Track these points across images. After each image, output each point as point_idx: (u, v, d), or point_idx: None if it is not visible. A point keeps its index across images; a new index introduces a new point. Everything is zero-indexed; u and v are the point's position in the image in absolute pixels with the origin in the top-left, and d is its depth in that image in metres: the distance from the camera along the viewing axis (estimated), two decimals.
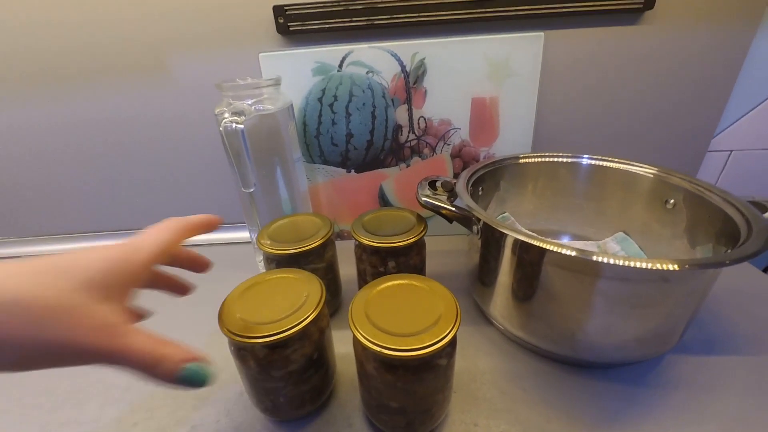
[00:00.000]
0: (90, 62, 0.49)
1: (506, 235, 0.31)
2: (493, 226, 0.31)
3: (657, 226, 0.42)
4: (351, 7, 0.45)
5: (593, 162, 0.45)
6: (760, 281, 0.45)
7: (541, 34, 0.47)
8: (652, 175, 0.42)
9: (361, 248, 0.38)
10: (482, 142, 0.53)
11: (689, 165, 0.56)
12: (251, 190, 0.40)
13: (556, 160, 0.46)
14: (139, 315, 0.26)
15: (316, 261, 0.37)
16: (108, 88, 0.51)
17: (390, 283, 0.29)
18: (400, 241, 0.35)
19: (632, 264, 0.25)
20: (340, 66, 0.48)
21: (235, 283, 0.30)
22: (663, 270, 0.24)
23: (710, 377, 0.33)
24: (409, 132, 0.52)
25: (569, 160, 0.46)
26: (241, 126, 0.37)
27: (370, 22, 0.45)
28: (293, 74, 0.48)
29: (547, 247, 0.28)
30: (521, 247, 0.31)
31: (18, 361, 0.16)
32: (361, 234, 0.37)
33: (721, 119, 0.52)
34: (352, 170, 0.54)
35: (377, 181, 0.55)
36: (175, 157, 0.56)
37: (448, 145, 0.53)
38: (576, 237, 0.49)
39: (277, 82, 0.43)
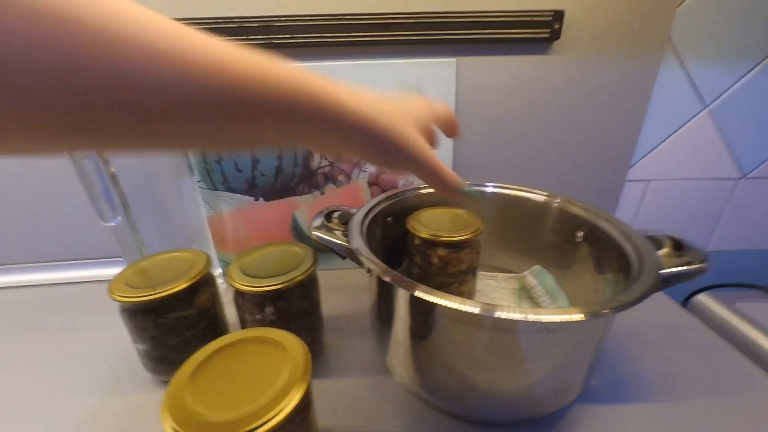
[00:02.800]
0: None
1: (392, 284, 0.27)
2: (379, 275, 0.27)
3: (569, 259, 0.40)
4: (246, 25, 0.41)
5: (498, 190, 0.43)
6: (677, 315, 0.44)
7: (454, 60, 0.45)
8: (556, 205, 0.40)
9: (236, 293, 0.33)
10: None
11: (609, 194, 0.55)
12: (111, 223, 0.34)
13: None
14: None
15: (181, 308, 0.32)
16: None
17: (225, 346, 0.23)
18: (277, 284, 0.31)
19: (502, 315, 0.22)
20: None
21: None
22: (532, 322, 0.21)
23: (616, 429, 0.30)
24: (321, 158, 0.48)
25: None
26: (93, 157, 0.32)
27: (267, 41, 0.42)
28: None
29: (431, 299, 0.24)
30: (407, 299, 0.28)
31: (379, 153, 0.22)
32: (234, 276, 0.32)
33: (636, 149, 0.53)
34: (261, 198, 0.49)
35: (289, 210, 0.50)
36: (46, 184, 0.48)
37: (365, 172, 0.49)
38: (496, 269, 0.47)
39: None
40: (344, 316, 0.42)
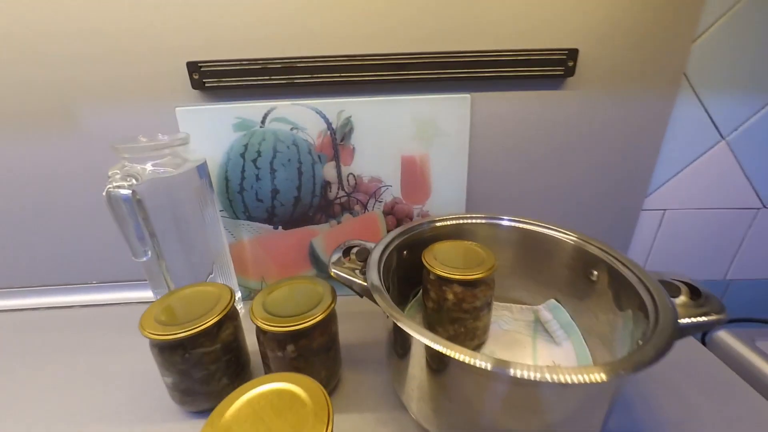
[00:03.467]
0: None
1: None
2: (396, 321, 0.28)
3: (583, 295, 0.40)
4: (269, 66, 0.43)
5: (514, 224, 0.44)
6: (696, 352, 0.43)
7: (468, 96, 0.46)
8: (572, 242, 0.40)
9: (258, 330, 0.34)
10: (415, 200, 0.51)
11: (625, 223, 0.55)
12: (143, 259, 0.36)
13: (474, 222, 0.44)
14: None
15: (207, 344, 0.33)
16: (6, 136, 0.47)
17: (248, 397, 0.25)
18: (299, 323, 0.32)
19: (521, 374, 0.23)
20: (263, 122, 0.46)
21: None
22: (545, 382, 0.22)
23: None
24: (338, 189, 0.50)
25: (487, 221, 0.44)
26: (127, 192, 0.34)
27: (290, 81, 0.44)
28: (213, 129, 0.46)
29: (443, 351, 0.25)
30: (421, 344, 0.28)
31: None
32: (257, 314, 0.33)
33: (652, 180, 0.53)
34: (279, 227, 0.51)
35: (307, 238, 0.52)
36: (82, 211, 0.51)
37: (380, 202, 0.51)
38: (511, 300, 0.47)
39: (184, 141, 0.40)
40: (361, 345, 0.43)
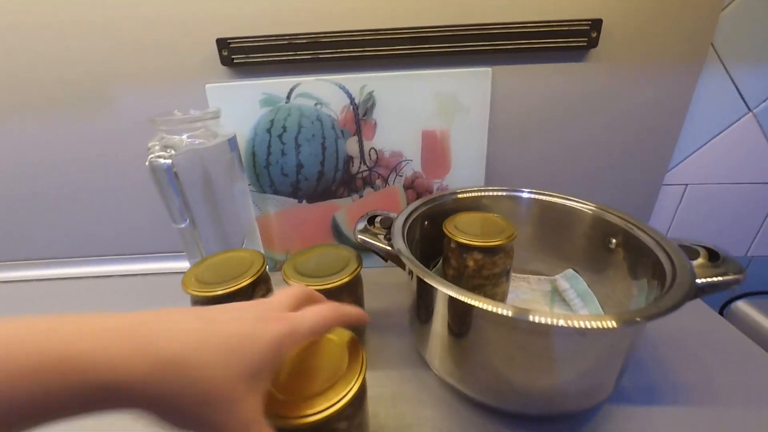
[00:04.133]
0: (33, 93, 0.48)
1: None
2: (421, 276, 0.30)
3: (601, 264, 0.41)
4: (295, 41, 0.44)
5: (533, 196, 0.44)
6: (713, 321, 0.44)
7: (489, 69, 0.47)
8: (590, 212, 0.41)
9: None
10: (435, 174, 0.52)
11: (646, 198, 0.55)
12: (182, 225, 0.39)
13: (495, 194, 0.45)
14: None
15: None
16: (51, 119, 0.50)
17: None
18: (327, 283, 0.34)
19: (539, 320, 0.24)
20: (288, 98, 0.48)
21: None
22: (567, 326, 0.23)
23: (645, 430, 0.31)
24: (360, 163, 0.51)
25: (507, 194, 0.45)
26: (168, 161, 0.36)
27: (315, 56, 0.45)
28: (240, 105, 0.48)
29: (468, 301, 0.27)
30: (445, 299, 0.30)
31: (158, 417, 0.16)
32: (289, 274, 0.35)
33: (674, 154, 0.53)
34: (304, 200, 0.53)
35: (329, 211, 0.54)
36: (119, 187, 0.54)
37: (401, 176, 0.52)
38: (529, 272, 0.48)
39: (215, 115, 0.42)
40: (383, 313, 0.46)
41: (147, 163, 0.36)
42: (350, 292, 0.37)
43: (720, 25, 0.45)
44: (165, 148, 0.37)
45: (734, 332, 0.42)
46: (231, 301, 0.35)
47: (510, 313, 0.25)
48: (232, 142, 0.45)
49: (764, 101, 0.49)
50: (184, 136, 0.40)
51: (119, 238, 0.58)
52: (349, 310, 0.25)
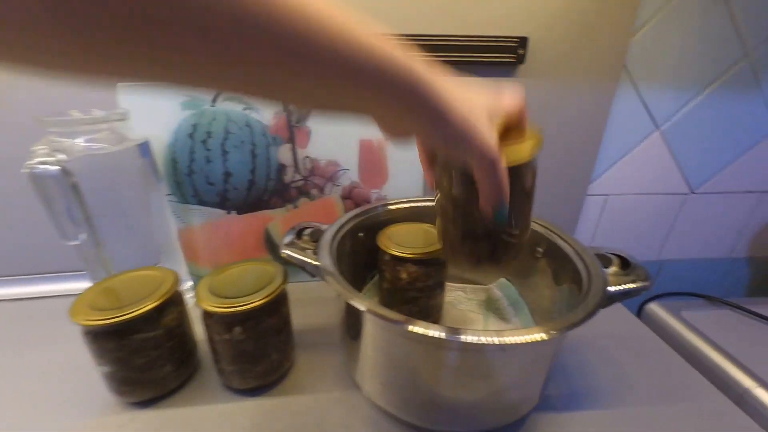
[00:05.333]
0: None
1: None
2: (343, 297, 0.28)
3: (529, 272, 0.42)
4: None
5: None
6: (630, 323, 0.47)
7: None
8: None
9: (204, 312, 0.33)
10: (373, 184, 0.51)
11: (573, 208, 0.58)
12: (74, 242, 0.33)
13: (428, 204, 0.45)
14: None
15: (147, 329, 0.32)
16: None
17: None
18: (246, 304, 0.31)
19: (458, 338, 0.23)
20: (214, 100, 0.44)
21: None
22: (475, 343, 0.23)
23: None
24: (294, 172, 0.49)
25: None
26: (55, 168, 0.31)
27: None
28: (158, 107, 0.43)
29: (382, 316, 0.25)
30: (365, 317, 0.29)
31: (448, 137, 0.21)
32: (202, 296, 0.32)
33: (596, 167, 0.56)
34: (233, 211, 0.49)
35: (262, 223, 0.51)
36: (9, 197, 0.46)
37: (338, 186, 0.50)
38: (465, 281, 0.48)
39: (122, 117, 0.38)
40: (315, 330, 0.43)
41: (24, 170, 0.30)
42: (273, 312, 0.34)
43: (631, 48, 0.49)
44: (53, 152, 0.32)
45: (647, 333, 0.45)
46: (131, 330, 0.31)
47: (425, 332, 0.24)
48: (144, 147, 0.40)
49: (669, 120, 0.54)
50: (81, 140, 0.35)
51: (9, 256, 0.49)
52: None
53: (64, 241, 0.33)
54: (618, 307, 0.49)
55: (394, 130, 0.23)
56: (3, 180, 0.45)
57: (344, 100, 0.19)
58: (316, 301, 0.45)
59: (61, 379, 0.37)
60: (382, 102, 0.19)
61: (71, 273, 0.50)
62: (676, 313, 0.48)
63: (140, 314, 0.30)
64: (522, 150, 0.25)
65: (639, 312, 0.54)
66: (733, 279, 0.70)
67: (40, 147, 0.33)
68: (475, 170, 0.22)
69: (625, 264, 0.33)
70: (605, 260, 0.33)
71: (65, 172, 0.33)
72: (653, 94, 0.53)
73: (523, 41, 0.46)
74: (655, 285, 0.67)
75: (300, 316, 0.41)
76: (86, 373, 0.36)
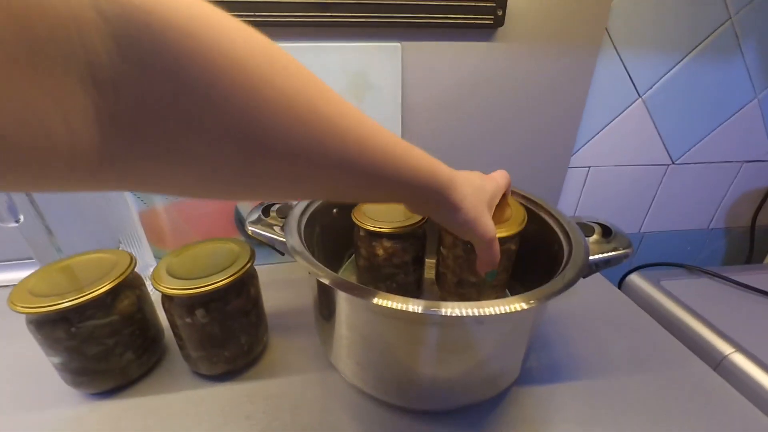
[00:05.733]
0: None
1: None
2: (318, 277, 0.26)
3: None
4: None
5: None
6: (611, 294, 0.46)
7: (398, 44, 0.44)
8: None
9: (163, 296, 0.30)
10: None
11: (555, 180, 0.57)
12: (11, 224, 0.30)
13: None
14: None
15: (100, 315, 0.29)
16: None
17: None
18: (207, 284, 0.29)
19: (429, 311, 0.22)
20: None
21: None
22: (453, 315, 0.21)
23: (549, 410, 0.31)
24: None
25: None
26: None
27: None
28: None
29: (358, 295, 0.23)
30: (339, 295, 0.27)
31: (456, 229, 0.26)
32: (159, 279, 0.29)
33: (578, 138, 0.55)
34: None
35: (231, 202, 0.48)
36: None
37: None
38: None
39: None
40: (289, 312, 0.41)
41: None
42: (240, 293, 0.32)
43: (613, 11, 0.47)
44: None
45: (629, 303, 0.45)
46: (81, 316, 0.28)
47: (393, 305, 0.22)
48: None
49: (651, 88, 0.53)
50: None
51: None
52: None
53: (0, 223, 0.30)
54: (600, 279, 0.48)
55: (418, 212, 0.29)
56: None
57: (383, 198, 0.23)
58: (289, 282, 0.43)
59: (11, 371, 0.34)
60: (411, 201, 0.24)
61: (23, 261, 0.47)
62: (655, 283, 0.48)
63: (89, 299, 0.28)
64: (511, 226, 0.32)
65: (620, 284, 0.54)
66: (709, 250, 0.70)
67: None
68: (476, 247, 0.28)
69: (606, 232, 0.32)
70: (587, 229, 0.32)
71: None
72: (635, 61, 0.51)
73: (502, 1, 0.43)
74: (637, 257, 0.67)
75: (273, 299, 0.39)
76: (38, 364, 0.33)
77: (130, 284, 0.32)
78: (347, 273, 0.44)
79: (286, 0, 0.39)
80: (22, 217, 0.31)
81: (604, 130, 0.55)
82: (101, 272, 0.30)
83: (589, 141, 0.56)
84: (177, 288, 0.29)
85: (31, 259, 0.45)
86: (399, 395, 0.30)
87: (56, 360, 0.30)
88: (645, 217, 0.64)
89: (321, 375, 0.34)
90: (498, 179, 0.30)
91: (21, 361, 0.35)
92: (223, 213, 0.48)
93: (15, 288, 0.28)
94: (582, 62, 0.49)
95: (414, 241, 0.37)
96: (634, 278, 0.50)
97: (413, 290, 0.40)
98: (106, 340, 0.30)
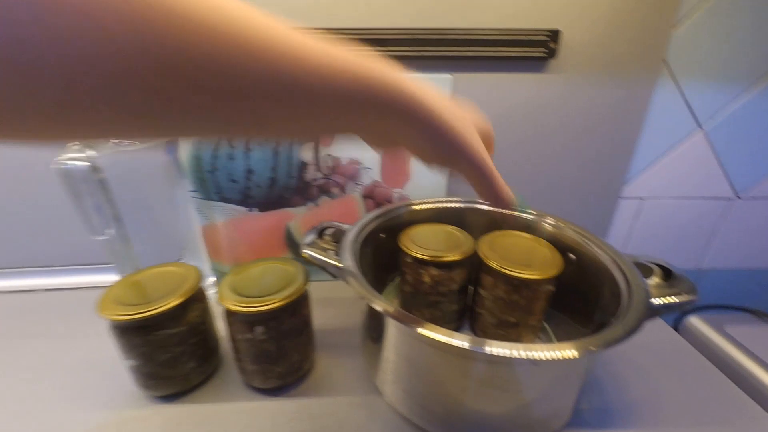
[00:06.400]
0: None
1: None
2: (369, 303, 0.27)
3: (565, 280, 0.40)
4: None
5: (492, 209, 0.43)
6: (668, 336, 0.44)
7: (449, 76, 0.45)
8: (549, 227, 0.40)
9: (226, 311, 0.33)
10: (395, 183, 0.50)
11: (604, 211, 0.56)
12: (101, 237, 0.34)
13: (453, 205, 0.44)
14: None
15: (171, 325, 0.32)
16: None
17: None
18: (266, 304, 0.31)
19: (492, 351, 0.22)
20: None
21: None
22: (518, 358, 0.21)
23: None
24: (316, 170, 0.48)
25: (466, 205, 0.44)
26: (84, 164, 0.31)
27: None
28: None
29: (413, 328, 0.24)
30: (393, 325, 0.28)
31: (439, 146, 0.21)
32: (224, 295, 0.32)
33: (630, 168, 0.53)
34: (255, 209, 0.49)
35: (283, 221, 0.50)
36: (39, 190, 0.48)
37: (359, 185, 0.49)
38: None
39: None
40: (336, 330, 0.43)
41: (53, 166, 0.31)
42: (294, 313, 0.33)
43: (673, 42, 0.46)
44: (83, 149, 0.33)
45: (687, 347, 0.42)
46: (157, 325, 0.31)
47: (460, 344, 0.23)
48: (170, 144, 0.41)
49: (712, 118, 0.51)
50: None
51: (43, 247, 0.51)
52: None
53: (92, 236, 0.34)
54: (655, 319, 0.46)
55: (382, 144, 0.23)
56: (38, 175, 0.47)
57: (334, 124, 0.19)
58: (335, 301, 0.45)
59: (89, 369, 0.38)
60: (371, 120, 0.19)
61: (100, 266, 0.52)
62: (718, 328, 0.45)
63: (165, 310, 0.31)
64: (550, 268, 0.33)
65: (677, 325, 0.50)
66: None
67: (71, 144, 0.34)
68: (469, 177, 0.23)
69: (666, 274, 0.31)
70: (645, 270, 0.31)
71: (94, 168, 0.33)
72: (696, 91, 0.49)
73: (554, 35, 0.43)
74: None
75: (320, 316, 0.40)
76: (117, 364, 0.36)
77: (197, 297, 0.34)
78: (390, 296, 0.44)
79: (345, 35, 0.42)
80: (111, 231, 0.35)
81: (659, 161, 0.53)
82: (173, 285, 0.33)
83: (642, 171, 0.54)
84: (240, 305, 0.31)
85: (101, 264, 0.50)
86: (444, 427, 0.30)
87: (131, 363, 0.33)
88: (705, 253, 0.60)
89: (365, 398, 0.35)
90: (476, 111, 0.25)
91: (98, 360, 0.38)
92: (275, 231, 0.51)
93: (102, 297, 0.32)
94: (637, 93, 0.48)
95: (460, 271, 0.38)
96: (694, 321, 0.47)
97: (455, 319, 0.40)
98: (174, 348, 0.33)
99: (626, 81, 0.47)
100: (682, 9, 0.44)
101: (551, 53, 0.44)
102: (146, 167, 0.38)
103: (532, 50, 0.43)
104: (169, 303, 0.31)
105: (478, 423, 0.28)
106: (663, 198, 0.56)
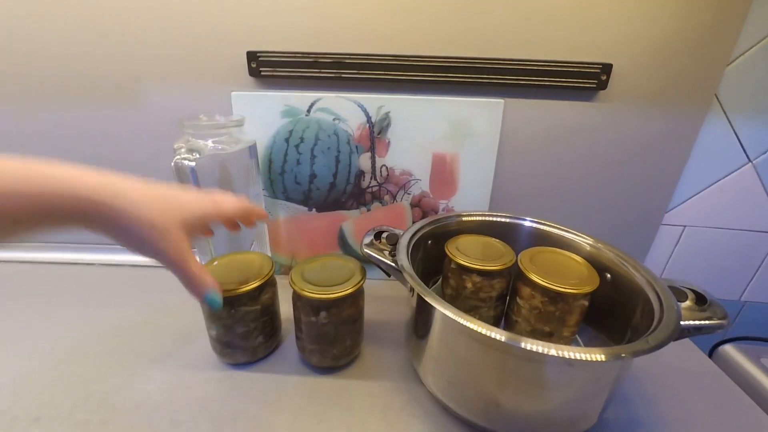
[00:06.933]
0: (70, 79, 0.51)
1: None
2: (422, 295, 0.32)
3: (600, 298, 0.42)
4: (320, 60, 0.47)
5: (534, 225, 0.46)
6: (700, 362, 0.45)
7: (501, 101, 0.49)
8: (588, 246, 0.43)
9: (295, 295, 0.38)
10: (441, 195, 0.54)
11: (644, 236, 0.57)
12: None
13: (498, 220, 0.47)
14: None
15: (250, 303, 0.38)
16: (84, 105, 0.52)
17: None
18: (333, 293, 0.36)
19: (529, 347, 0.26)
20: (309, 111, 0.50)
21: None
22: (557, 356, 0.25)
23: None
24: (371, 178, 0.53)
25: (510, 220, 0.47)
26: (192, 164, 0.38)
27: (338, 75, 0.48)
28: (263, 114, 0.50)
29: (463, 322, 0.28)
30: (442, 319, 0.32)
31: (134, 246, 0.25)
32: (296, 280, 0.37)
33: (674, 195, 0.54)
34: (314, 209, 0.55)
35: (337, 222, 0.56)
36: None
37: (409, 194, 0.54)
38: None
39: (239, 123, 0.45)
40: (382, 325, 0.47)
41: (173, 164, 0.38)
42: (352, 303, 0.38)
43: (725, 78, 0.47)
44: (191, 150, 0.39)
45: (719, 374, 0.43)
46: (239, 302, 0.37)
47: (503, 338, 0.27)
48: (253, 149, 0.47)
49: (764, 153, 0.51)
50: (209, 141, 0.42)
51: None
52: (255, 209, 0.34)
53: None
54: (689, 345, 0.47)
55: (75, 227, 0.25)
56: (152, 166, 0.55)
57: (31, 223, 0.22)
58: (382, 299, 0.50)
59: (176, 334, 0.45)
60: (66, 220, 0.23)
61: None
62: (754, 358, 0.45)
63: (247, 290, 0.36)
64: (585, 284, 0.36)
65: (711, 353, 0.51)
66: None
67: (180, 144, 0.41)
68: (168, 268, 0.27)
69: (700, 299, 0.33)
70: (679, 294, 0.33)
71: (197, 166, 0.40)
72: (747, 126, 0.50)
73: (607, 68, 0.46)
74: (734, 327, 0.63)
75: (369, 312, 0.45)
76: (197, 335, 0.43)
77: (270, 282, 0.40)
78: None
79: (408, 62, 0.47)
80: None
81: (705, 191, 0.54)
82: (253, 270, 0.39)
83: (687, 200, 0.55)
84: (309, 291, 0.36)
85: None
86: (482, 417, 0.33)
87: (213, 332, 0.39)
88: (747, 286, 0.60)
89: (408, 385, 0.39)
90: (208, 200, 0.29)
91: (185, 327, 0.45)
92: (330, 230, 0.56)
93: None
94: (686, 125, 0.49)
95: (500, 279, 0.41)
96: (729, 350, 0.47)
97: (493, 324, 0.43)
98: (250, 323, 0.38)
99: (676, 114, 0.49)
100: (739, 46, 0.46)
101: (602, 85, 0.47)
102: (234, 168, 0.45)
103: (583, 81, 0.46)
104: (251, 284, 0.37)
105: (512, 415, 0.31)
106: (706, 227, 0.56)
